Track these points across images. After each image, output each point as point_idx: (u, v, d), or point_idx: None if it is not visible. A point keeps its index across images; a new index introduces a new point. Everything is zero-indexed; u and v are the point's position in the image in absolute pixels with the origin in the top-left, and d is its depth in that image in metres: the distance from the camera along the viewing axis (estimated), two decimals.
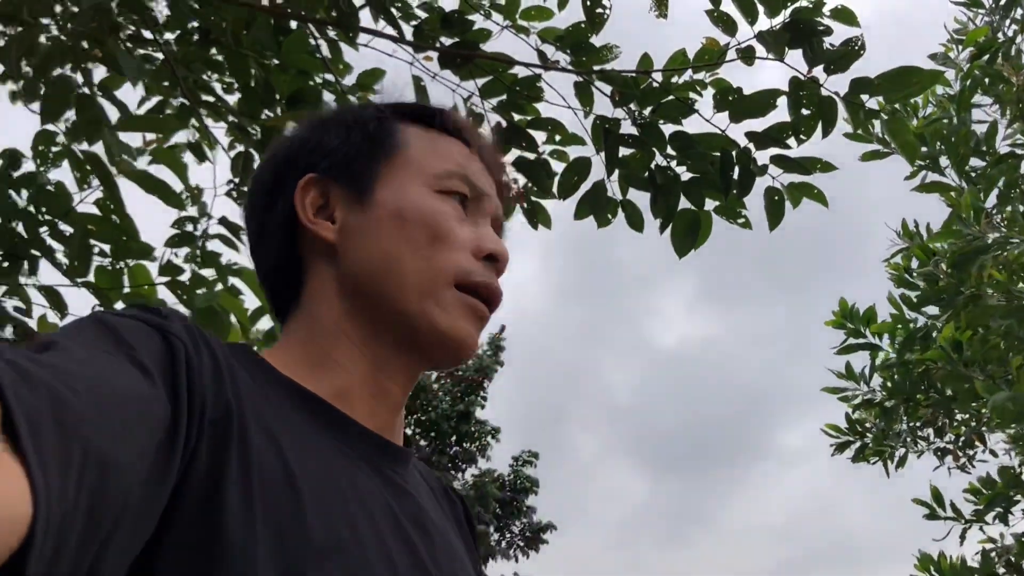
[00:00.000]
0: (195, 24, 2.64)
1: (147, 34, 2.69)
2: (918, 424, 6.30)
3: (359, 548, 0.65)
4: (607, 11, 2.26)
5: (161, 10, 2.68)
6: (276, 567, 0.60)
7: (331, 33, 2.64)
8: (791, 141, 2.35)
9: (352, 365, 0.78)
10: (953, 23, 5.82)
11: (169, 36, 2.78)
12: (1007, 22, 5.36)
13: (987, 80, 5.21)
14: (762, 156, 2.39)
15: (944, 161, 5.11)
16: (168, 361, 0.61)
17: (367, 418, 0.77)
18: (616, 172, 2.49)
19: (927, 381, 5.76)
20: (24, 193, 2.19)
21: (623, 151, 2.46)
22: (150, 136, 2.44)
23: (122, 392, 0.54)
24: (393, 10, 2.25)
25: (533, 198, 2.62)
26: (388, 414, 0.80)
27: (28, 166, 2.23)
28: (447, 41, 2.42)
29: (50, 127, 2.19)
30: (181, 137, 3.02)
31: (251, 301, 2.42)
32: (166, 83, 2.74)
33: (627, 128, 2.47)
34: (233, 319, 2.27)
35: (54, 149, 2.21)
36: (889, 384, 6.02)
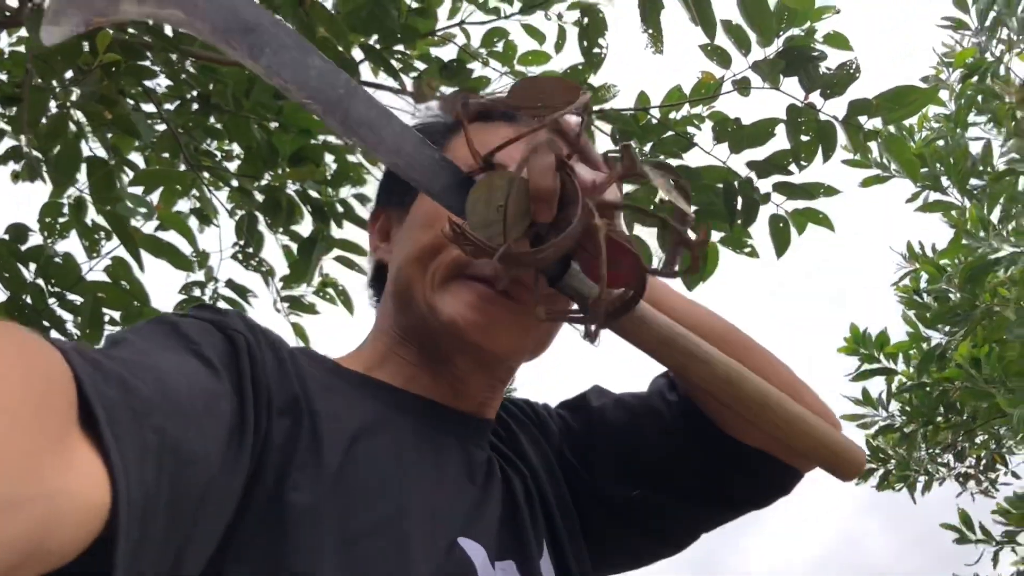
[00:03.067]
0: (194, 93, 2.67)
1: (148, 107, 2.72)
2: (937, 450, 6.21)
3: (429, 520, 0.66)
4: (604, 51, 2.28)
5: (161, 81, 2.72)
6: (341, 535, 0.60)
7: None
8: (793, 168, 2.35)
9: (411, 356, 0.80)
10: (941, 46, 5.90)
11: (169, 106, 2.81)
12: (994, 42, 5.42)
13: (980, 99, 5.25)
14: (765, 185, 2.39)
15: (945, 181, 5.13)
16: (231, 355, 0.62)
17: (437, 397, 0.79)
18: None
19: (946, 403, 5.70)
20: (32, 266, 2.20)
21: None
22: (155, 202, 2.45)
23: (189, 384, 0.54)
24: (393, 62, 2.28)
25: None
26: (469, 403, 0.81)
27: (35, 239, 2.24)
28: (447, 90, 2.44)
29: (56, 199, 2.21)
30: (184, 205, 3.06)
31: None
32: (165, 154, 2.77)
33: None
34: None
35: (61, 220, 2.22)
36: (908, 408, 5.95)
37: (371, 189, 2.79)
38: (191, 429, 0.51)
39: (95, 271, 2.15)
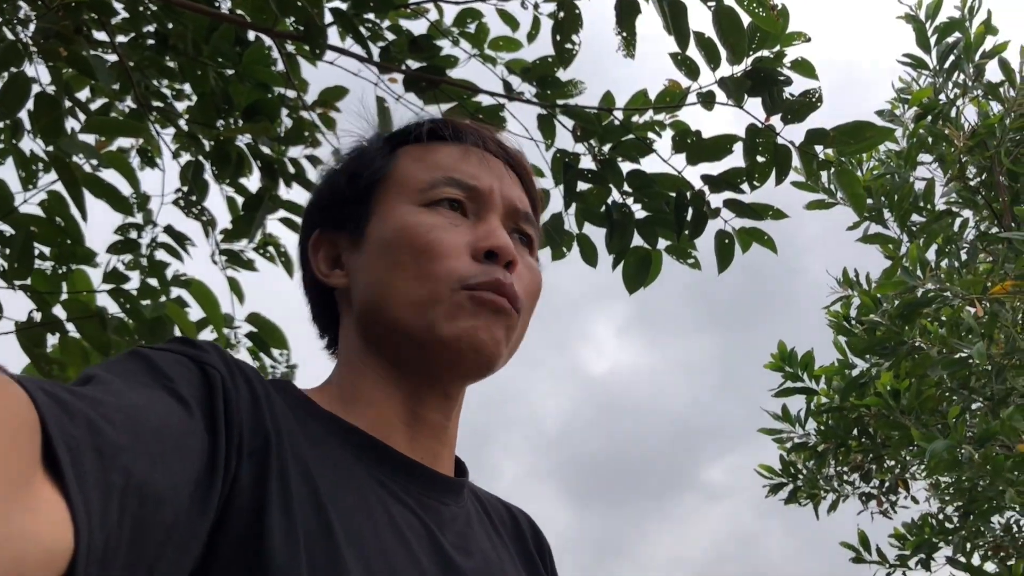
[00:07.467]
0: (151, 29, 2.59)
1: (100, 36, 2.62)
2: (846, 469, 6.41)
3: None
4: (576, 47, 2.27)
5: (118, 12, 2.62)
6: None
7: (289, 47, 2.61)
8: (744, 186, 2.38)
9: (383, 398, 0.78)
10: (899, 82, 6.04)
11: (122, 38, 2.71)
12: (949, 84, 5.58)
13: (931, 139, 5.41)
14: (715, 199, 2.42)
15: (887, 214, 5.27)
16: (206, 392, 0.61)
17: (408, 448, 0.76)
18: (574, 206, 2.49)
19: (860, 427, 5.88)
20: None
21: (582, 186, 2.47)
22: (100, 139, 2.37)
23: (159, 423, 0.54)
24: (362, 29, 2.23)
25: None
26: (431, 441, 0.79)
27: None
28: (414, 64, 2.41)
29: None
30: (126, 142, 2.95)
31: (196, 312, 2.35)
32: (115, 86, 2.67)
33: (587, 163, 2.48)
34: (177, 331, 2.21)
35: None
36: (823, 428, 6.12)
37: (325, 151, 2.74)
38: (158, 469, 0.51)
39: (29, 203, 2.07)
